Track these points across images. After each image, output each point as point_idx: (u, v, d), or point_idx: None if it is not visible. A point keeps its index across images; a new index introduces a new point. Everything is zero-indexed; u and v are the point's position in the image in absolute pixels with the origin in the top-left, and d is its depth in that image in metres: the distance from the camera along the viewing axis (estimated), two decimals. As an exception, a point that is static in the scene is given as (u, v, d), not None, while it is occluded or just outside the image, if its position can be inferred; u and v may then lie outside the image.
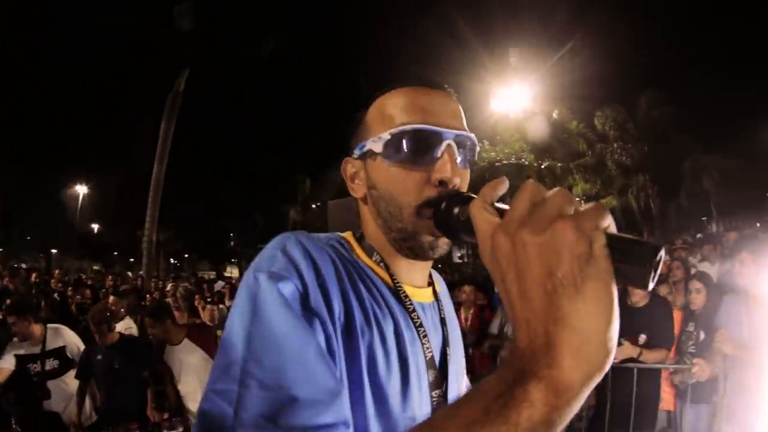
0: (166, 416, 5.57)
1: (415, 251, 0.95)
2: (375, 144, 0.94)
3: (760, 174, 24.55)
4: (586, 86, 24.94)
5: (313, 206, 32.81)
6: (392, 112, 0.95)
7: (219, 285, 10.04)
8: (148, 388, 4.53)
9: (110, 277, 12.84)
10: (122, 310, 6.53)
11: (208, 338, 4.85)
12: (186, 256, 45.76)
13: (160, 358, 4.54)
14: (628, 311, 4.01)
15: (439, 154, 0.90)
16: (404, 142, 0.91)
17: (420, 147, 0.91)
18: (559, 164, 24.47)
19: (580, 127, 24.40)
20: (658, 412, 4.03)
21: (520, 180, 16.22)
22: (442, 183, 0.90)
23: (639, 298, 4.03)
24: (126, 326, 6.05)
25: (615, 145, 25.88)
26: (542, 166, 24.11)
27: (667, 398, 4.24)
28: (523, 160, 23.81)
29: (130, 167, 27.96)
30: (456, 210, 0.82)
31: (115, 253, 44.54)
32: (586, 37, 24.85)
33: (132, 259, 38.75)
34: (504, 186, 0.71)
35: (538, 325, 0.54)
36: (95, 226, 44.01)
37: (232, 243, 38.91)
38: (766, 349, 3.17)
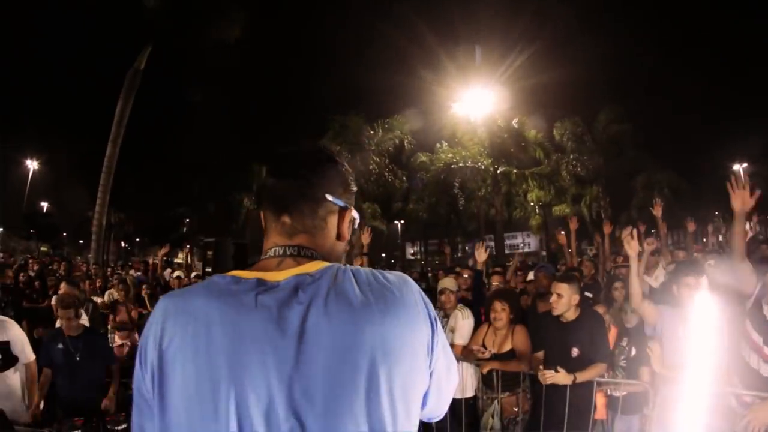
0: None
1: None
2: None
3: (706, 195, 25.66)
4: (548, 97, 25.44)
5: None
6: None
7: (167, 273, 9.58)
8: (109, 382, 4.47)
9: (63, 264, 12.39)
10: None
11: None
12: (137, 240, 44.68)
13: None
14: (559, 326, 4.11)
15: None
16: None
17: None
18: (515, 170, 24.82)
19: (538, 137, 24.79)
20: (591, 422, 4.11)
21: (475, 183, 16.50)
22: None
23: (570, 312, 4.07)
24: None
25: (571, 156, 26.51)
26: (498, 171, 24.40)
27: (600, 408, 4.35)
28: (479, 164, 24.04)
29: (85, 145, 27.01)
30: None
31: (65, 234, 42.96)
32: (550, 50, 25.34)
33: (82, 241, 37.51)
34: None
35: None
36: (45, 205, 41.78)
37: (184, 229, 38.14)
38: (694, 368, 3.30)
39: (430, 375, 1.15)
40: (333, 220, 1.22)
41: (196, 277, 8.05)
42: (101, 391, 4.50)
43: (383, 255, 35.06)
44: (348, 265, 1.14)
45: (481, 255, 5.75)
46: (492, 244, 24.17)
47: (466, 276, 5.81)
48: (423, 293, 1.16)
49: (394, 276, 1.15)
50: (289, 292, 1.06)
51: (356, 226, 1.32)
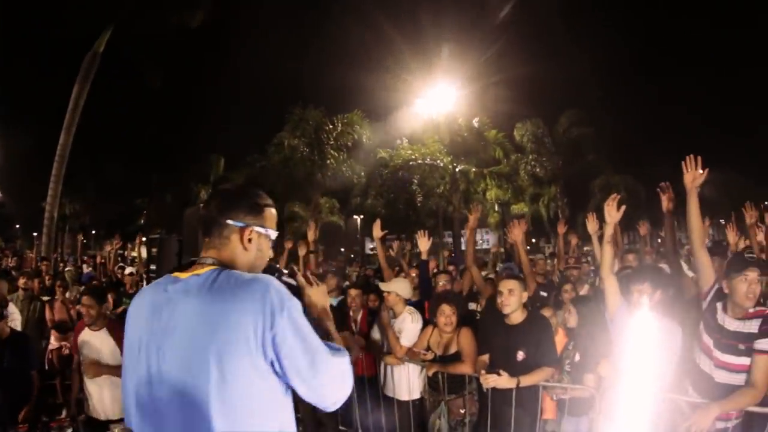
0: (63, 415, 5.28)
1: None
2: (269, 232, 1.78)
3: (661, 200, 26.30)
4: (510, 98, 25.72)
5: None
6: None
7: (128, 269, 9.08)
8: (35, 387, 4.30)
9: (12, 257, 11.84)
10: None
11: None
12: (93, 232, 43.38)
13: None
14: (505, 329, 4.06)
15: None
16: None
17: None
18: (474, 169, 25.01)
19: (499, 136, 25.03)
20: (540, 422, 4.11)
21: (433, 180, 16.58)
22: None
23: (516, 316, 4.04)
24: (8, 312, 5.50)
25: (530, 156, 26.94)
26: (457, 169, 24.57)
27: (549, 408, 4.37)
28: (438, 161, 24.14)
29: (38, 132, 25.92)
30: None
31: (17, 226, 41.30)
32: (514, 52, 25.64)
33: (36, 233, 36.19)
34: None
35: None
36: (-5, 194, 40.35)
37: (142, 221, 37.22)
38: (638, 372, 3.31)
39: (279, 361, 1.52)
40: (236, 237, 1.72)
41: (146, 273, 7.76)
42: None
43: (342, 249, 34.99)
44: (232, 271, 1.63)
45: (423, 243, 5.70)
46: (450, 240, 24.31)
47: (414, 275, 5.76)
48: (277, 295, 1.54)
49: (254, 279, 1.59)
50: (184, 284, 1.61)
51: (271, 238, 1.80)
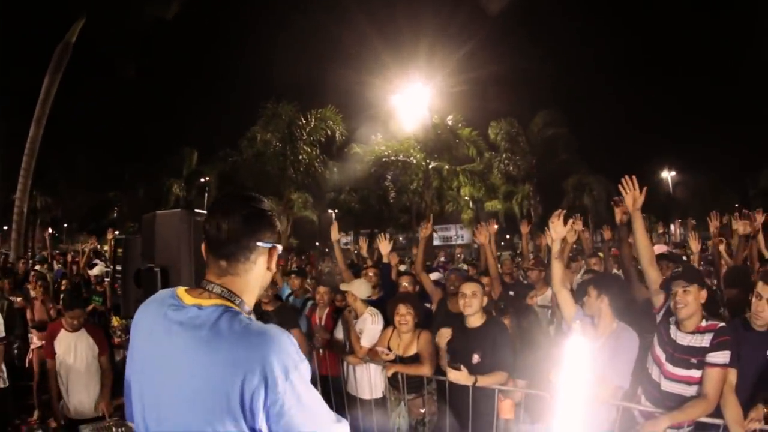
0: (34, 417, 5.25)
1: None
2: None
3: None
4: (486, 97, 25.93)
5: (201, 180, 31.90)
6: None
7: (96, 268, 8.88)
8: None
9: None
10: None
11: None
12: (65, 225, 42.59)
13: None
14: (463, 332, 4.17)
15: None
16: None
17: None
18: (447, 166, 25.20)
19: (472, 134, 25.17)
20: (498, 421, 4.20)
21: (406, 176, 16.62)
22: None
23: (475, 319, 4.13)
24: None
25: (504, 155, 27.21)
26: (430, 166, 24.71)
27: (506, 408, 4.47)
28: (411, 158, 24.30)
29: (8, 124, 25.32)
30: None
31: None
32: (489, 50, 25.86)
33: (6, 227, 35.43)
34: None
35: None
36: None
37: (115, 214, 36.68)
38: (594, 380, 3.41)
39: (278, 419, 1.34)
40: (263, 260, 1.60)
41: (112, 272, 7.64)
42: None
43: (317, 244, 34.94)
44: (238, 314, 1.45)
45: (384, 246, 5.78)
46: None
47: (371, 274, 5.84)
48: (285, 356, 1.36)
49: (261, 333, 1.40)
50: (184, 315, 1.45)
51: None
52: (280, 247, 1.62)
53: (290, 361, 1.37)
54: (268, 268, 1.59)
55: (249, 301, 1.56)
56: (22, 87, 20.15)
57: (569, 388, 3.40)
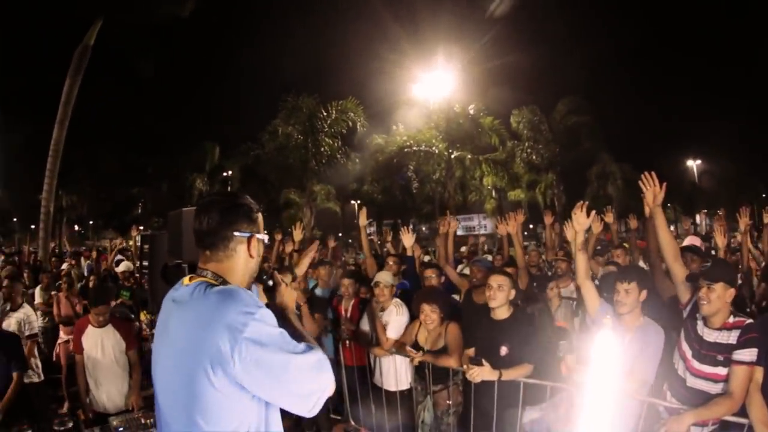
0: (64, 408, 5.35)
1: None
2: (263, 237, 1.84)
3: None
4: (507, 85, 25.67)
5: (224, 174, 32.05)
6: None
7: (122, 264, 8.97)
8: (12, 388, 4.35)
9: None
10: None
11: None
12: (91, 222, 43.30)
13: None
14: (490, 324, 4.13)
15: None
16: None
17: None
18: (469, 156, 25.00)
19: (495, 123, 24.90)
20: (524, 411, 4.15)
21: (428, 166, 16.52)
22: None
23: (502, 311, 4.09)
24: (24, 314, 5.58)
25: (527, 144, 26.92)
26: (452, 156, 24.55)
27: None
28: (433, 147, 24.14)
29: (33, 125, 25.72)
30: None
31: (15, 220, 41.07)
32: (511, 38, 25.62)
33: (33, 226, 36.01)
34: None
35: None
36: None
37: (139, 210, 37.17)
38: (612, 374, 3.38)
39: (244, 379, 1.52)
40: (242, 248, 1.79)
41: (139, 268, 7.73)
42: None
43: (340, 234, 35.09)
44: (210, 286, 1.67)
45: (407, 239, 5.74)
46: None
47: (391, 263, 5.81)
48: (239, 311, 1.54)
49: (219, 293, 1.62)
50: (179, 294, 1.72)
51: (266, 243, 1.90)
52: (261, 236, 1.81)
53: (248, 309, 1.55)
54: (251, 256, 1.78)
55: (235, 283, 1.74)
56: (44, 90, 20.43)
57: (597, 382, 3.38)
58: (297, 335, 1.73)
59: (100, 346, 4.65)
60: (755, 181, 38.08)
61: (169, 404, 1.65)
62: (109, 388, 4.65)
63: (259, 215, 1.85)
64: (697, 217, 29.69)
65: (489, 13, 24.69)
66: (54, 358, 6.97)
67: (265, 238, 1.85)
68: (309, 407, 1.62)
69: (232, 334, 1.50)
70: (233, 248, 1.75)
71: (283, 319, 1.84)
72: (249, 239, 1.77)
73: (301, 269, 2.77)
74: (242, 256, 1.77)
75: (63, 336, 6.94)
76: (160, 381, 1.69)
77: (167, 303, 1.76)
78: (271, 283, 2.00)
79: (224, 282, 1.70)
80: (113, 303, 6.44)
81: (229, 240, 1.74)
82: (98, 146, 33.14)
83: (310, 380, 1.61)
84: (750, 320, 3.17)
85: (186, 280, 1.75)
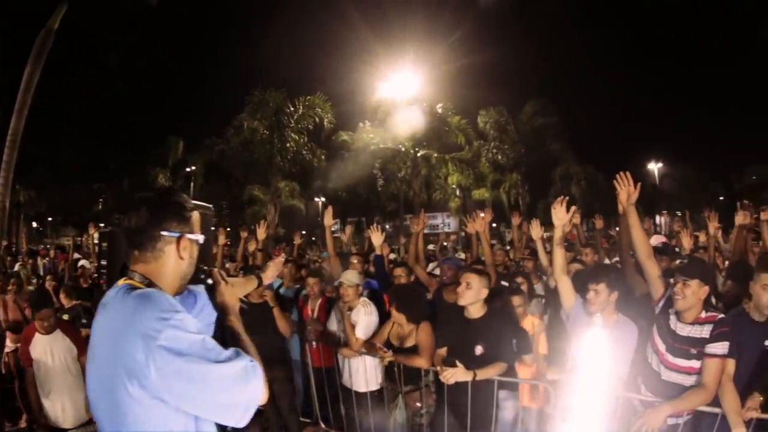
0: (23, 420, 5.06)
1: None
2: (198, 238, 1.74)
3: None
4: (475, 85, 25.91)
5: (187, 170, 31.57)
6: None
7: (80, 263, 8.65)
8: None
9: None
10: None
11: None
12: (50, 219, 42.01)
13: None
14: (463, 323, 4.09)
15: None
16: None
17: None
18: (435, 154, 25.23)
19: (462, 123, 25.19)
20: (498, 411, 4.13)
21: (394, 164, 16.56)
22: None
23: (475, 310, 4.05)
24: None
25: (493, 144, 27.24)
26: (418, 154, 24.71)
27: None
28: (400, 146, 24.24)
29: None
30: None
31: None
32: (480, 38, 25.85)
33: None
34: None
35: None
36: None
37: (99, 207, 36.20)
38: (589, 369, 3.42)
39: (161, 391, 1.40)
40: (171, 249, 1.69)
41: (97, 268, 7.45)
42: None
43: (303, 232, 34.93)
44: (131, 289, 1.56)
45: (376, 237, 5.70)
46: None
47: (355, 262, 5.77)
48: (153, 317, 1.44)
49: (136, 298, 1.51)
50: (107, 295, 1.64)
51: (200, 243, 1.80)
52: (194, 237, 1.72)
53: (163, 315, 1.45)
54: (180, 257, 1.68)
55: (163, 286, 1.64)
56: (1, 75, 19.69)
57: (576, 378, 3.45)
58: (236, 338, 1.69)
59: (50, 354, 4.36)
60: (714, 184, 39.43)
61: (98, 415, 1.55)
62: (63, 400, 4.38)
63: (194, 214, 1.75)
64: (658, 218, 30.46)
65: (458, 14, 24.85)
66: (3, 369, 6.40)
67: (200, 238, 1.74)
68: (236, 418, 1.50)
69: (146, 342, 1.41)
70: (161, 249, 1.65)
71: (224, 319, 1.78)
72: (178, 239, 1.67)
73: (268, 276, 2.60)
74: (171, 257, 1.67)
75: (10, 345, 6.23)
76: (89, 390, 1.58)
77: (99, 306, 1.64)
78: (210, 281, 1.89)
79: (150, 284, 1.62)
80: (72, 303, 6.18)
81: (156, 240, 1.65)
82: (58, 139, 32.22)
83: (235, 390, 1.49)
84: (721, 315, 3.31)
85: (121, 281, 1.64)
